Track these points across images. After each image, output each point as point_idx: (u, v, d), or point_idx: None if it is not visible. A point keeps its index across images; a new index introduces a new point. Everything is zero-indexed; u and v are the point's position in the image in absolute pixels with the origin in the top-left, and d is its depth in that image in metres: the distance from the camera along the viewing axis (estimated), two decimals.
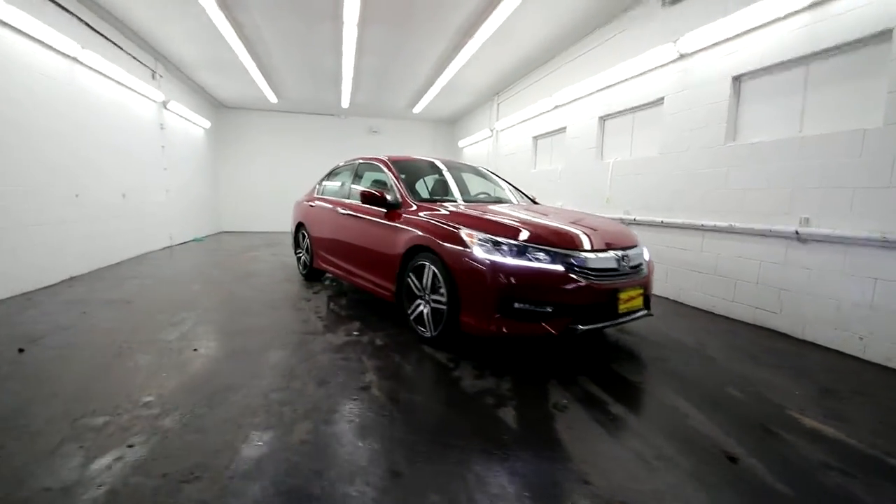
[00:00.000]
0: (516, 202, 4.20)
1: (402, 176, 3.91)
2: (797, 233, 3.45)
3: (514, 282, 2.60)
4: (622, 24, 5.46)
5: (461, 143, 11.99)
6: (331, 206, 4.67)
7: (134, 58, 6.49)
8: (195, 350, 2.94)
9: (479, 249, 2.73)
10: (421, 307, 3.17)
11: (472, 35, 6.03)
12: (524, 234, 2.75)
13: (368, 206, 3.87)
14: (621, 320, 2.84)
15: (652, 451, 1.92)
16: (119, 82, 6.13)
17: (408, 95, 9.82)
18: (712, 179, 4.27)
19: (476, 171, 4.69)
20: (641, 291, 2.94)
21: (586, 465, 1.81)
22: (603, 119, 6.06)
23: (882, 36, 2.97)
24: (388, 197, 3.69)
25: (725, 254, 4.14)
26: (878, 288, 3.01)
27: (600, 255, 2.80)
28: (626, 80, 5.46)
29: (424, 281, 3.09)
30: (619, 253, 2.89)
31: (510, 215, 3.10)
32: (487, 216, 3.03)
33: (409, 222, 3.38)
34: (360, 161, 4.62)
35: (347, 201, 4.39)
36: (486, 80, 8.66)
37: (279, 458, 1.77)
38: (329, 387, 2.45)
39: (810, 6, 3.37)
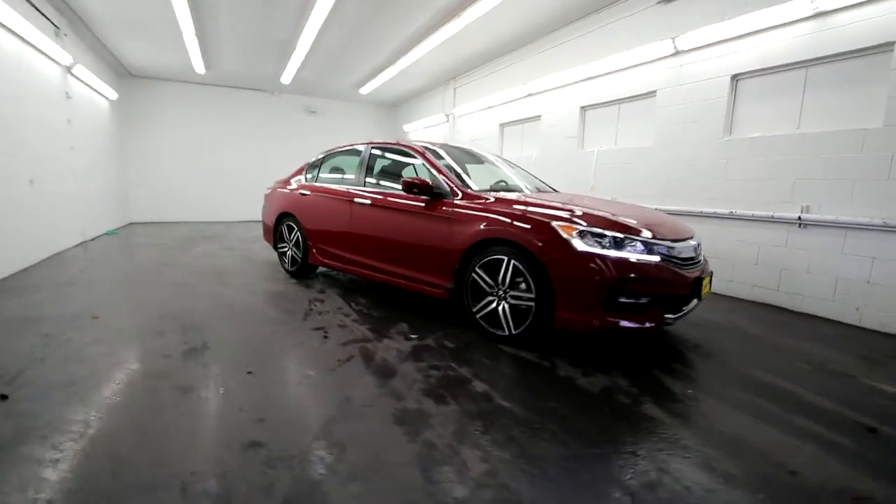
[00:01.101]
0: (541, 190, 4.11)
1: (442, 163, 3.60)
2: (800, 219, 3.88)
3: (620, 274, 2.53)
4: (610, 17, 5.61)
5: (407, 128, 11.58)
6: (337, 196, 4.16)
7: (35, 7, 5.10)
8: (249, 373, 2.42)
9: (579, 242, 2.61)
10: (493, 305, 2.97)
11: (459, 15, 5.75)
12: (619, 225, 2.70)
13: (404, 196, 3.55)
14: (693, 307, 2.92)
15: (808, 433, 2.00)
16: (22, 38, 4.78)
17: (360, 74, 9.17)
18: (711, 170, 4.62)
19: (481, 158, 4.43)
20: (710, 278, 3.08)
21: (772, 455, 1.82)
22: (584, 109, 6.23)
23: (883, 47, 3.40)
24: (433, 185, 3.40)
25: (723, 238, 4.52)
26: (876, 266, 3.50)
27: (681, 244, 2.84)
28: (614, 72, 5.65)
29: (501, 277, 2.89)
30: (694, 241, 2.98)
31: (578, 205, 3.01)
32: (569, 206, 2.91)
33: (465, 215, 3.13)
34: (374, 146, 4.17)
35: (366, 191, 3.94)
36: (445, 64, 8.40)
37: (487, 497, 1.51)
38: (448, 402, 2.17)
39: (814, 16, 3.74)
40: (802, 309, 3.97)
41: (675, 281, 2.67)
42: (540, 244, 2.70)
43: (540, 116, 6.99)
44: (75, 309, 3.45)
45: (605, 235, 2.61)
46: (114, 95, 8.36)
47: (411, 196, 3.51)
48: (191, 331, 3.06)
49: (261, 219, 5.50)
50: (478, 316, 3.06)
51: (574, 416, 2.08)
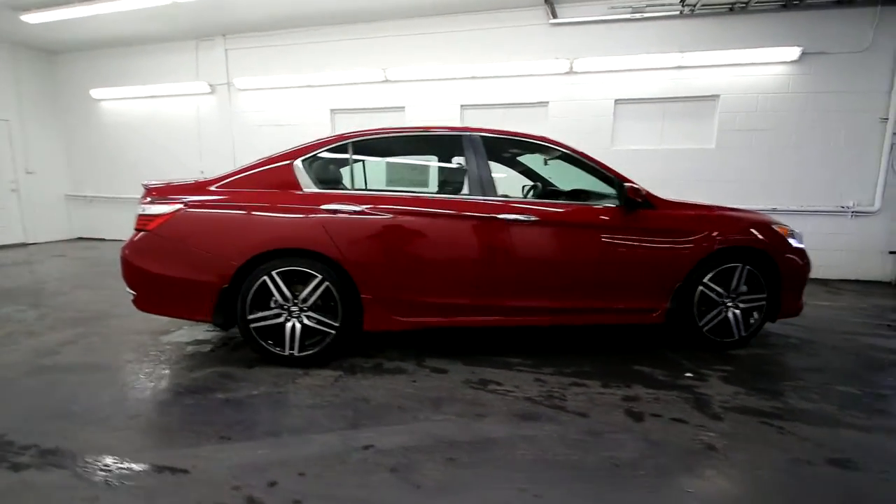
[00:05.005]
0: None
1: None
2: None
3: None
4: (497, 21, 5.77)
5: (99, 93, 7.35)
6: (451, 215, 2.58)
7: None
8: None
9: (794, 241, 3.00)
10: (722, 314, 2.91)
11: None
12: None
13: (580, 208, 2.87)
14: None
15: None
16: None
17: None
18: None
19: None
20: None
21: None
22: (465, 108, 6.16)
23: (713, 97, 5.42)
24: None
25: None
26: None
27: None
28: (503, 76, 5.89)
29: (734, 284, 2.87)
30: None
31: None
32: (729, 206, 3.21)
33: (681, 224, 2.88)
34: (482, 134, 2.80)
35: (516, 203, 2.67)
36: (212, 13, 5.94)
37: None
38: None
39: (676, 68, 5.42)
40: None
41: None
42: (776, 246, 2.91)
43: (404, 108, 6.30)
44: None
45: (795, 233, 3.13)
46: None
47: (588, 208, 2.85)
48: None
49: (152, 271, 2.46)
50: (704, 329, 2.91)
51: None
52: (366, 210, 2.52)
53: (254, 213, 2.49)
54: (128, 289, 2.59)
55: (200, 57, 6.89)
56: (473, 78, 5.99)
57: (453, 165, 3.03)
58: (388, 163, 3.08)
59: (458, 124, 6.10)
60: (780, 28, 5.02)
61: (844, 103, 5.04)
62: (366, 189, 2.69)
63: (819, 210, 5.27)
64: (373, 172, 2.91)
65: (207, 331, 3.26)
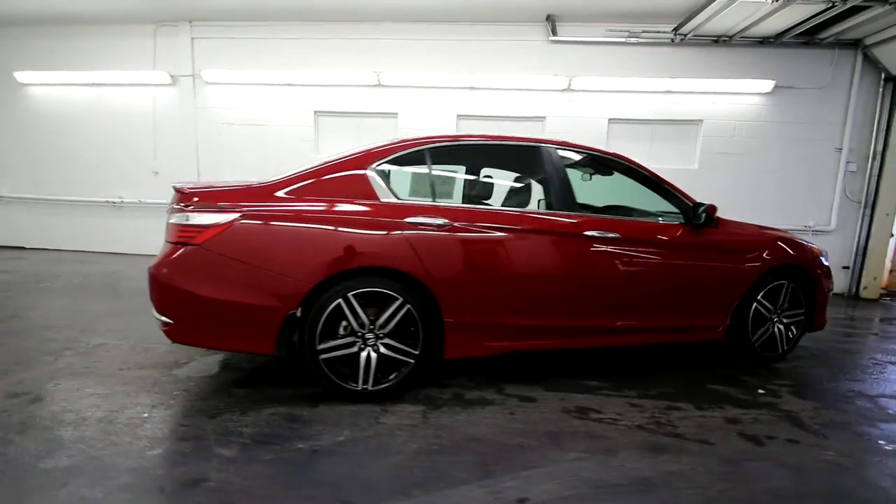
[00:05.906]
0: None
1: None
2: None
3: None
4: (496, 35, 5.74)
5: (26, 77, 6.26)
6: (541, 233, 2.44)
7: None
8: None
9: (824, 260, 3.22)
10: (770, 329, 3.03)
11: None
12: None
13: (649, 225, 2.94)
14: None
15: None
16: None
17: None
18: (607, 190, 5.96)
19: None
20: None
21: None
22: (461, 117, 6.04)
23: (697, 121, 5.79)
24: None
25: None
26: None
27: None
28: (501, 89, 5.89)
29: (780, 300, 3.01)
30: None
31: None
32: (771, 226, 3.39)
33: (740, 243, 3.00)
34: (560, 147, 2.77)
35: (599, 220, 2.60)
36: None
37: None
38: None
39: (664, 92, 5.73)
40: None
41: None
42: (813, 265, 3.11)
43: (396, 114, 6.04)
44: None
45: (824, 252, 3.35)
46: None
47: (664, 225, 2.90)
48: None
49: (199, 294, 2.00)
50: (755, 345, 3.01)
51: None
52: (457, 225, 2.28)
53: (330, 225, 2.14)
54: (159, 316, 2.11)
55: (159, 43, 6.10)
56: (472, 88, 5.91)
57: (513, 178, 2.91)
58: (462, 171, 2.84)
59: (454, 132, 5.96)
60: (757, 62, 5.51)
61: (807, 133, 5.63)
62: (452, 200, 2.46)
63: (785, 228, 5.79)
64: (449, 182, 2.68)
65: (223, 360, 2.79)
